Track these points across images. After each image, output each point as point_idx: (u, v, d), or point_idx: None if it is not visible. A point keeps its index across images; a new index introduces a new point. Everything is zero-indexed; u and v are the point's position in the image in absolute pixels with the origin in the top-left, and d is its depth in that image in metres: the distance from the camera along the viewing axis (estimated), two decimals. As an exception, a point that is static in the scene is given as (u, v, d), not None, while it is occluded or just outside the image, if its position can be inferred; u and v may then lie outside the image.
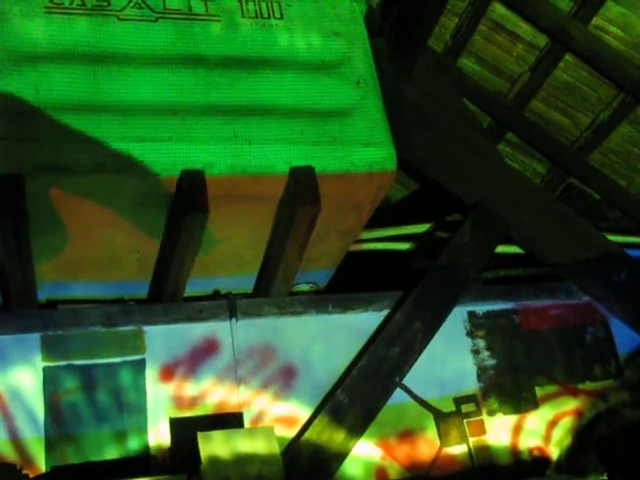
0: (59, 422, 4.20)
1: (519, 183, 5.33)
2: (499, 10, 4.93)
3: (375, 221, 4.81)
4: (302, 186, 3.97)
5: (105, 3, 4.02)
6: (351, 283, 4.97)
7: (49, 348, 4.32)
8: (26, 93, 3.73)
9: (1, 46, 3.76)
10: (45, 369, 4.27)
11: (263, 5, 4.27)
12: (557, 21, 4.74)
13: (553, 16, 4.74)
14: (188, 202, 3.84)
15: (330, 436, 4.42)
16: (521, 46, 5.06)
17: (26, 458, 4.10)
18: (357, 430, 4.51)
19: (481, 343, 5.06)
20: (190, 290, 4.61)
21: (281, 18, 4.27)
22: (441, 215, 5.65)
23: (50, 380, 4.26)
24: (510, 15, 4.92)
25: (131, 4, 4.06)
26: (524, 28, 4.96)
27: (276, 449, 4.01)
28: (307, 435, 4.41)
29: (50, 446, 4.15)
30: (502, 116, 5.47)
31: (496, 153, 5.41)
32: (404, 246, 5.50)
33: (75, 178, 3.73)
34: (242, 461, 3.90)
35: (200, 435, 3.97)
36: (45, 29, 3.87)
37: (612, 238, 5.35)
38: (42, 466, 4.10)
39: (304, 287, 4.92)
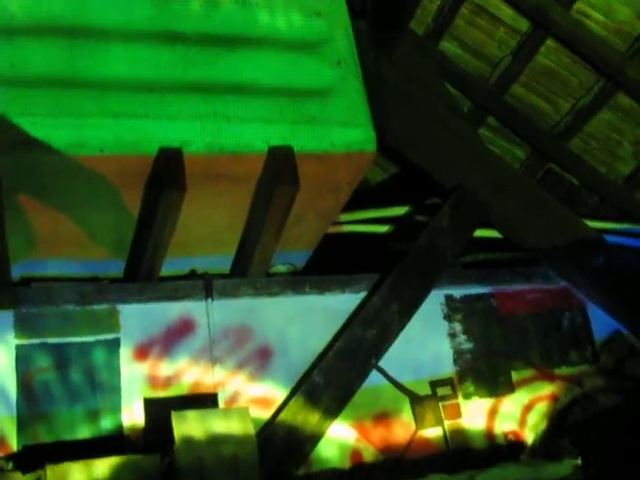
0: (31, 400, 4.16)
1: (499, 167, 5.33)
2: (480, -8, 4.91)
3: (354, 203, 4.79)
4: (280, 165, 3.94)
5: (82, -25, 3.96)
6: (329, 265, 4.95)
7: (22, 326, 4.28)
8: (1, 67, 3.66)
9: (-24, 19, 3.72)
10: (18, 347, 4.23)
11: (244, -18, 4.22)
12: (539, 5, 4.71)
13: (535, 0, 4.72)
14: (165, 180, 3.79)
15: (305, 417, 4.41)
16: (503, 30, 5.03)
17: (-3, 436, 4.08)
18: (332, 412, 4.50)
19: (458, 327, 5.06)
20: (166, 270, 4.57)
21: (262, -4, 4.22)
22: (420, 199, 5.64)
23: (23, 358, 4.22)
24: (492, -2, 4.91)
25: (109, -22, 4.00)
26: (506, 12, 4.92)
27: (251, 430, 3.99)
28: (282, 416, 4.40)
29: (22, 425, 4.11)
30: (483, 100, 5.45)
31: (476, 137, 5.40)
32: (382, 229, 5.50)
33: (52, 154, 3.66)
34: (216, 441, 3.88)
35: (174, 414, 3.95)
36: (21, 2, 3.79)
37: (591, 224, 5.36)
38: (13, 445, 4.07)
39: (281, 268, 4.90)
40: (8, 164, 3.62)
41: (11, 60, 3.69)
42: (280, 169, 3.94)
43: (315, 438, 4.44)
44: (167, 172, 3.79)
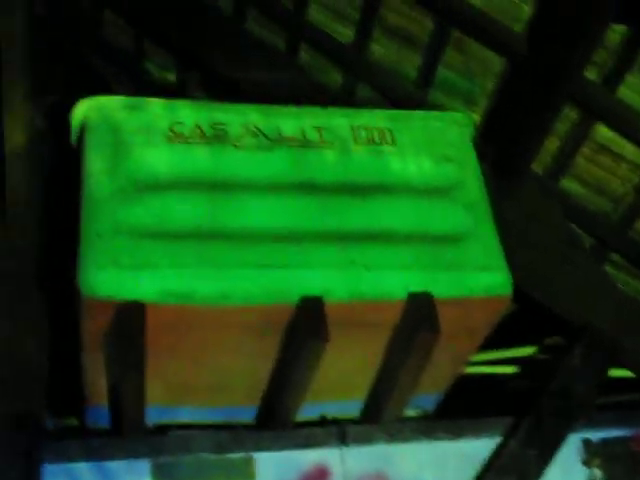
0: None
1: (627, 304, 5.23)
2: (603, 132, 4.91)
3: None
4: (421, 312, 3.91)
5: (222, 132, 4.13)
6: (455, 408, 4.87)
7: (159, 474, 4.27)
8: (148, 220, 3.81)
9: (125, 176, 3.88)
10: (155, 496, 4.24)
11: (375, 132, 4.32)
12: (663, 142, 4.72)
13: (659, 137, 4.73)
14: (307, 330, 3.81)
15: None
16: (625, 166, 5.03)
17: None
18: None
19: (598, 473, 4.88)
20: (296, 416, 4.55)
21: (393, 144, 4.31)
22: (542, 337, 5.56)
23: (160, 507, 4.22)
24: (614, 137, 4.91)
25: (247, 133, 4.16)
26: (628, 148, 4.93)
27: None
28: None
29: None
30: (605, 237, 5.41)
31: (603, 273, 5.33)
32: (508, 369, 5.41)
33: (197, 304, 3.73)
34: None
35: None
36: (166, 158, 3.98)
37: None
38: None
39: (411, 412, 4.82)
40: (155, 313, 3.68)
41: (158, 214, 3.83)
42: (421, 316, 3.92)
43: None
44: (309, 321, 3.80)
